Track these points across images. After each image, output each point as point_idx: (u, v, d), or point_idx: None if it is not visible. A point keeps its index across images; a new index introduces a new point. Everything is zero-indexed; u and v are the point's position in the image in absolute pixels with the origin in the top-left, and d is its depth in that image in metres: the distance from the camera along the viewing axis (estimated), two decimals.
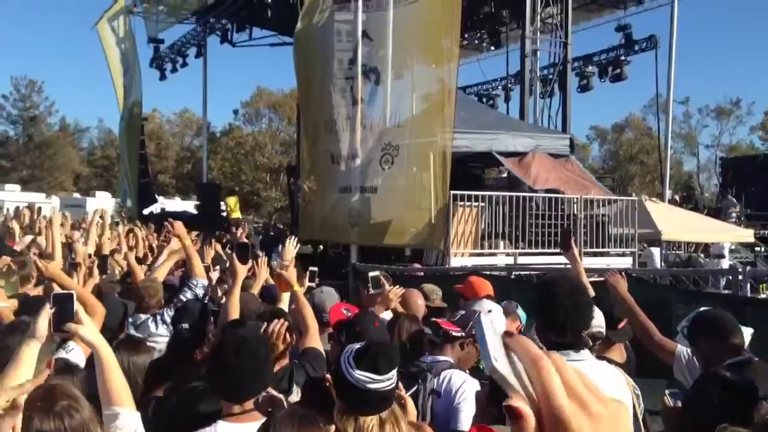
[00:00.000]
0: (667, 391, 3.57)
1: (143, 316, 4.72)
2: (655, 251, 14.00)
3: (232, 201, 21.20)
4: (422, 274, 9.28)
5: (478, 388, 3.37)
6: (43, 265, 4.26)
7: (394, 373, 2.40)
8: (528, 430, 0.67)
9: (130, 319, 4.73)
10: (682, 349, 3.65)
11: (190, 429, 2.54)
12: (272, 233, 21.75)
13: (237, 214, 20.74)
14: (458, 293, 5.43)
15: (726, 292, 8.68)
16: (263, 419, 2.48)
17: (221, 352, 2.53)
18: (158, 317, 4.65)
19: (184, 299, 4.55)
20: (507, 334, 0.71)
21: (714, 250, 14.78)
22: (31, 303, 4.28)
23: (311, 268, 4.76)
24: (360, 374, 2.35)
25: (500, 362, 0.69)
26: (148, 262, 7.34)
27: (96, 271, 4.95)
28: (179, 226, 5.09)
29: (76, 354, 3.30)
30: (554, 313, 2.80)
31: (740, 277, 6.57)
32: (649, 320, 3.86)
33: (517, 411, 0.68)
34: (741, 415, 2.73)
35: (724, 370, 3.04)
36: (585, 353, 2.84)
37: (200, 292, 4.76)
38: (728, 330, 3.32)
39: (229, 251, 7.67)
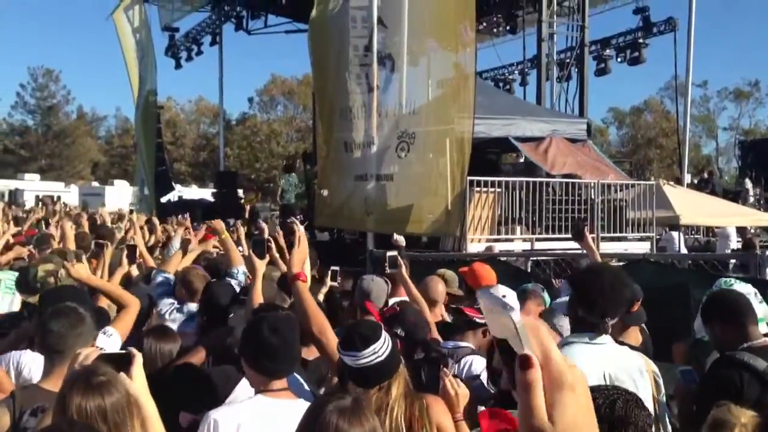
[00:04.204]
0: (679, 368, 3.60)
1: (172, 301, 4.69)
2: (676, 235, 13.90)
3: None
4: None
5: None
6: (71, 268, 4.13)
7: (374, 347, 2.46)
8: (535, 379, 0.76)
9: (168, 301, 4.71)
10: None
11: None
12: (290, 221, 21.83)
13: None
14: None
15: (745, 275, 8.60)
16: (296, 399, 2.61)
17: (258, 332, 2.63)
18: (183, 307, 4.64)
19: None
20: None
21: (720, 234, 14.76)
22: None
23: (333, 268, 4.62)
24: (344, 355, 2.49)
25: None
26: (157, 254, 7.40)
27: (125, 261, 4.99)
28: (218, 222, 5.57)
29: (113, 340, 3.32)
30: (590, 290, 2.84)
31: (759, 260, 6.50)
32: None
33: (530, 360, 0.75)
34: (754, 399, 2.75)
35: (740, 353, 3.05)
36: (605, 338, 2.86)
37: (242, 278, 4.84)
38: (743, 313, 3.21)
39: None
